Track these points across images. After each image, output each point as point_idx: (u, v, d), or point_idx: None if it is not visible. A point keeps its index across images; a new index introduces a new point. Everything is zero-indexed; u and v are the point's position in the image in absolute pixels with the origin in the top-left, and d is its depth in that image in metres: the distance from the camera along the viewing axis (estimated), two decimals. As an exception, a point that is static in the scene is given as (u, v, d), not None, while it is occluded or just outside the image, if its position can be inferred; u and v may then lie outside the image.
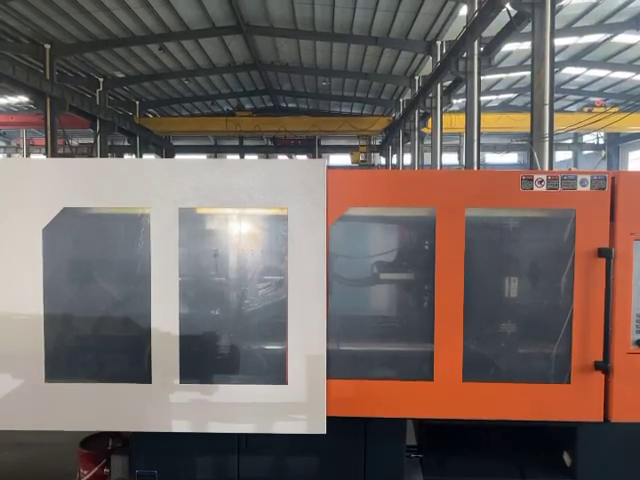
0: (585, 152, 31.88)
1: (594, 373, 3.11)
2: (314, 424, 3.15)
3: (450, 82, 15.59)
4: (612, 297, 3.06)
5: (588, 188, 3.09)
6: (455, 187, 3.15)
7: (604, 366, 3.07)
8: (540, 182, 3.10)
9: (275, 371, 3.18)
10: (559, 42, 16.45)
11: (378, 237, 3.60)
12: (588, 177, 3.10)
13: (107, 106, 21.30)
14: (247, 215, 3.33)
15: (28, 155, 28.66)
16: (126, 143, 26.16)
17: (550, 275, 3.23)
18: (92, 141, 21.66)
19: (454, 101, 18.14)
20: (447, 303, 3.13)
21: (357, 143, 28.26)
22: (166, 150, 28.38)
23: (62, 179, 3.18)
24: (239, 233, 3.35)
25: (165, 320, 3.14)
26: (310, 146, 30.05)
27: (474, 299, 3.18)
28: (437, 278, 3.13)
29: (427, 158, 19.16)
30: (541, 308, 3.30)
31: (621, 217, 3.08)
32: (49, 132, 16.65)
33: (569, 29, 16.14)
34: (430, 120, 17.47)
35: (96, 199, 3.20)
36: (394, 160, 26.30)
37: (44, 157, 19.29)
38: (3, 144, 33.96)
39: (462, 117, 13.58)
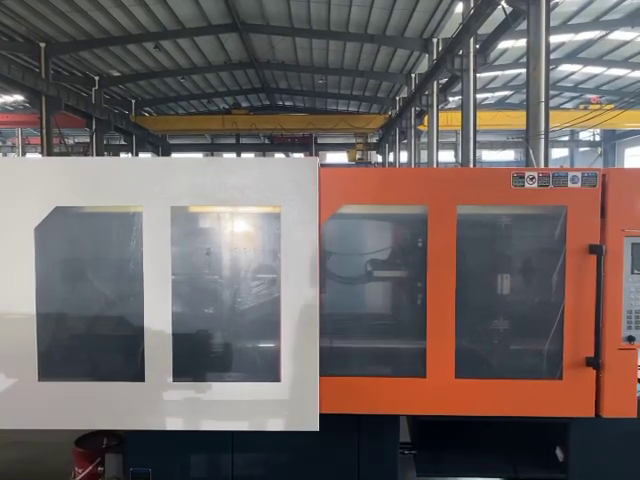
0: (581, 149, 31.97)
1: (585, 369, 3.11)
2: (307, 421, 3.16)
3: (446, 80, 15.63)
4: (603, 293, 3.07)
5: (579, 185, 3.09)
6: (446, 185, 3.15)
7: (595, 362, 3.08)
8: (531, 179, 3.11)
9: (268, 369, 3.18)
10: (554, 39, 16.49)
11: (371, 235, 3.61)
12: (579, 174, 3.10)
13: (103, 105, 21.30)
14: (240, 213, 3.32)
15: (24, 154, 28.60)
16: (122, 142, 26.11)
17: (541, 272, 3.23)
18: (88, 140, 21.64)
19: (450, 99, 18.20)
20: (439, 300, 3.13)
21: (354, 141, 28.27)
22: (162, 149, 28.35)
23: (54, 178, 3.16)
24: (232, 231, 3.35)
25: (158, 318, 3.14)
26: (307, 144, 30.09)
27: (466, 296, 3.18)
28: (429, 275, 3.13)
29: (424, 155, 19.19)
30: (533, 304, 3.32)
31: (612, 214, 3.08)
32: (45, 131, 16.66)
33: (564, 26, 16.20)
34: (426, 118, 17.51)
35: (88, 198, 3.18)
36: (391, 158, 26.30)
37: (40, 156, 19.25)
38: (-1, 143, 33.92)
39: (458, 114, 13.59)
